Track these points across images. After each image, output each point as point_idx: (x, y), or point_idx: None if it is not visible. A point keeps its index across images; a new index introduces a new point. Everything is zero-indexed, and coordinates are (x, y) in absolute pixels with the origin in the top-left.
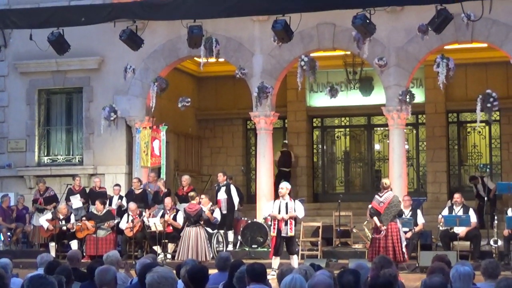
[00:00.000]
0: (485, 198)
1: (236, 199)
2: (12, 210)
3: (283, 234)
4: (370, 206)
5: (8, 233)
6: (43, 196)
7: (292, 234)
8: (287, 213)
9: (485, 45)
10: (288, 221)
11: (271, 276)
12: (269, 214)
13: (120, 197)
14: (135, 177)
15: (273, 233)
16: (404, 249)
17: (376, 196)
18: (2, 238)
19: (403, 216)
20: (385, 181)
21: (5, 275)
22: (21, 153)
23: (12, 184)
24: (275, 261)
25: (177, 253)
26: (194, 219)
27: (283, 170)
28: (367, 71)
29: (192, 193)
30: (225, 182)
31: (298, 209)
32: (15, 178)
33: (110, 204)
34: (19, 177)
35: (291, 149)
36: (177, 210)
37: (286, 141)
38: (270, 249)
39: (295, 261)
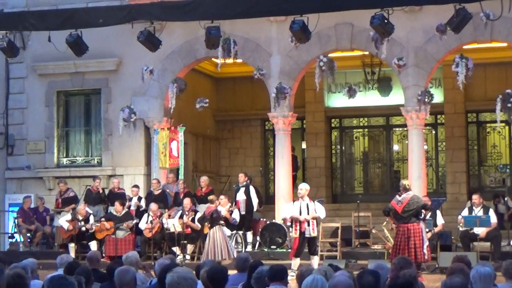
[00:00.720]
0: (504, 215)
1: (255, 200)
2: (34, 211)
3: (306, 235)
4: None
5: (28, 234)
6: (62, 197)
7: (315, 234)
8: (308, 214)
9: (504, 44)
10: (310, 221)
11: (290, 276)
12: (291, 216)
13: (139, 198)
14: (154, 178)
15: (295, 234)
16: (425, 250)
17: (396, 196)
18: (22, 239)
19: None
20: (405, 182)
21: (25, 275)
22: (40, 154)
23: (32, 186)
24: (295, 262)
25: (203, 255)
26: (209, 220)
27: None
28: (386, 71)
29: (211, 196)
30: (244, 183)
31: (319, 209)
32: (34, 180)
33: (128, 206)
34: (38, 179)
35: (297, 153)
36: (196, 211)
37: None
38: (289, 250)
39: (315, 261)
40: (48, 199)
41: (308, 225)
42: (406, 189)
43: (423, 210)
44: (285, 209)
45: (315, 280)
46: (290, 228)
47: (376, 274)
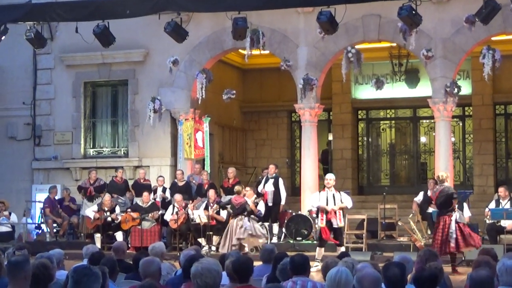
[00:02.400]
0: None
1: (283, 193)
2: (60, 202)
3: (333, 226)
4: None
5: (54, 224)
6: (93, 185)
7: (342, 224)
8: (334, 204)
9: None
10: (337, 212)
11: (315, 267)
12: (317, 206)
13: (164, 189)
14: (178, 169)
15: (321, 224)
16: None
17: (431, 189)
18: (48, 230)
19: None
20: (441, 173)
21: (50, 265)
22: (67, 145)
23: (59, 176)
24: (319, 252)
25: (220, 245)
26: (237, 211)
27: (325, 167)
28: (413, 63)
29: (237, 187)
30: (274, 175)
31: (345, 199)
32: (61, 170)
33: (154, 196)
34: (65, 169)
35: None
36: (220, 203)
37: (330, 139)
38: (314, 242)
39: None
40: (74, 190)
41: (335, 215)
42: (441, 180)
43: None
44: (311, 199)
45: (340, 272)
46: (316, 219)
47: (402, 267)
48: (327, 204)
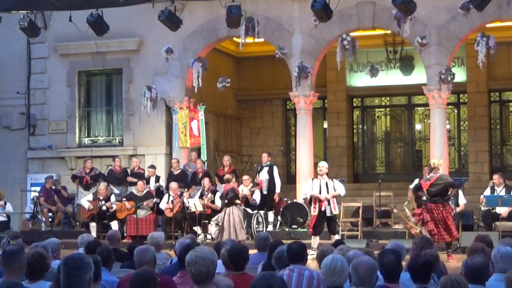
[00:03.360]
0: None
1: (278, 181)
2: (56, 191)
3: (328, 214)
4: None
5: (50, 214)
6: (89, 175)
7: (336, 212)
8: (328, 192)
9: None
10: (331, 200)
11: (311, 255)
12: (311, 194)
13: (157, 178)
14: (174, 158)
15: (313, 212)
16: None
17: (425, 176)
18: (44, 219)
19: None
20: (434, 161)
21: (46, 255)
22: (62, 134)
23: (54, 165)
24: (315, 241)
25: (213, 233)
26: (226, 199)
27: None
28: (408, 50)
29: (227, 176)
30: (268, 163)
31: (338, 187)
32: (56, 160)
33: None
34: (60, 159)
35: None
36: (215, 191)
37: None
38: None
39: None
40: (67, 179)
41: (329, 203)
42: (433, 167)
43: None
44: (304, 187)
45: (335, 260)
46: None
47: (397, 254)
48: (320, 192)
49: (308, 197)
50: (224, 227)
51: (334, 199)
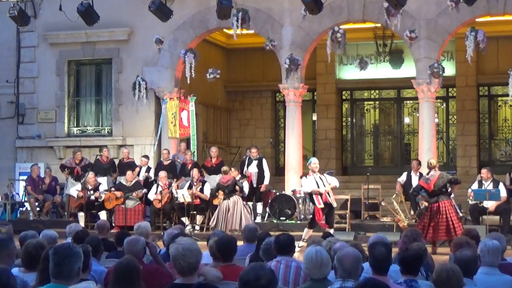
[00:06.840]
0: None
1: (267, 174)
2: (43, 180)
3: (334, 205)
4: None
5: (36, 203)
6: (79, 165)
7: (335, 205)
8: (324, 186)
9: None
10: (330, 192)
11: (299, 247)
12: (312, 190)
13: (148, 169)
14: (164, 149)
15: (319, 205)
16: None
17: (424, 175)
18: (30, 208)
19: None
20: (431, 161)
21: (46, 246)
22: (51, 123)
23: (42, 155)
24: (307, 232)
25: (215, 225)
26: (228, 189)
27: None
28: (397, 44)
29: (225, 167)
30: (257, 156)
31: (332, 180)
32: (45, 149)
33: (138, 175)
34: (49, 148)
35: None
36: (204, 182)
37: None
38: (298, 222)
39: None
40: (56, 168)
41: (329, 196)
42: (431, 167)
43: (450, 184)
44: (303, 185)
45: (319, 253)
46: (306, 201)
47: (388, 246)
48: (318, 187)
49: (306, 190)
50: (227, 219)
51: (332, 191)
